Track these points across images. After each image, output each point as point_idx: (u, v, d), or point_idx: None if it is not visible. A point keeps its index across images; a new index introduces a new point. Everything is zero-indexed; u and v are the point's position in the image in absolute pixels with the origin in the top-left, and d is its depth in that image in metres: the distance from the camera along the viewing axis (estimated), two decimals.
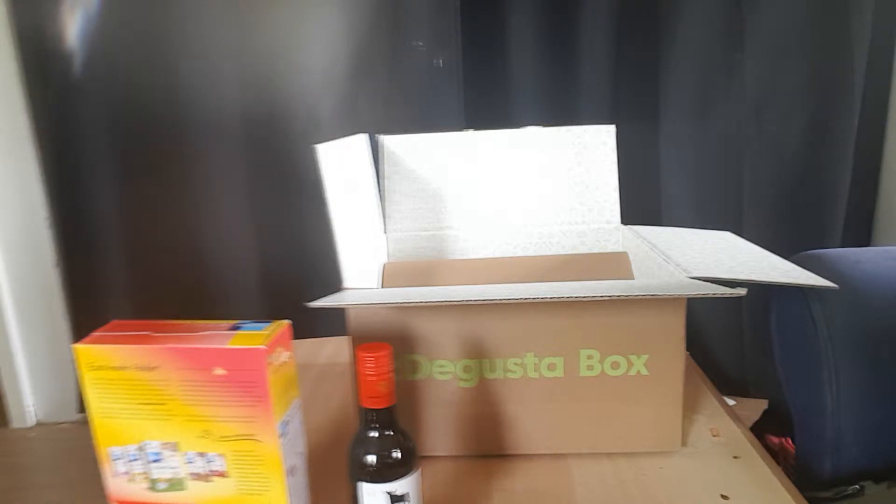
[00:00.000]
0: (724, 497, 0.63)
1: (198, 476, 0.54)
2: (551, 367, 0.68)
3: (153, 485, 0.55)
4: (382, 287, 0.82)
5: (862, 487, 0.75)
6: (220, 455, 0.53)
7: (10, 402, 1.94)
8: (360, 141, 0.90)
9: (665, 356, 0.67)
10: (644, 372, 0.67)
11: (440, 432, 0.71)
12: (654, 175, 1.71)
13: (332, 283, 0.68)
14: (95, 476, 0.56)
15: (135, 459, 0.54)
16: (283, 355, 0.53)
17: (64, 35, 1.64)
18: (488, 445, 0.71)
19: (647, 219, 0.92)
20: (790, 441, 0.81)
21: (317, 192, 0.67)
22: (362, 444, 0.53)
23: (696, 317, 1.75)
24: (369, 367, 0.51)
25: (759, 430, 0.80)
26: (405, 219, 0.95)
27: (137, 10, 1.62)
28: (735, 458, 0.70)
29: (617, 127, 0.93)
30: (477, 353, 0.68)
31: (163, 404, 0.52)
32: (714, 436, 0.74)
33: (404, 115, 1.67)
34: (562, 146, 0.94)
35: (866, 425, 0.75)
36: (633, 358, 0.67)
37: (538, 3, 1.60)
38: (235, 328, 0.53)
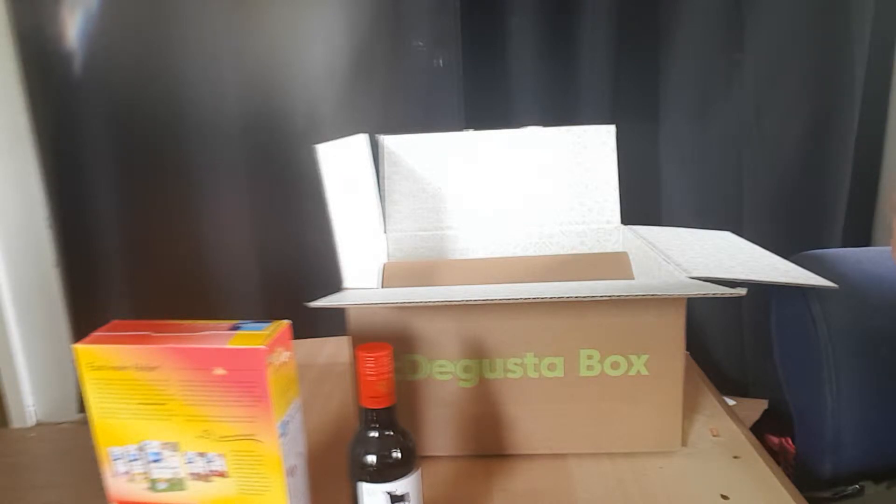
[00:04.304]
0: (724, 497, 0.63)
1: (198, 476, 0.54)
2: (551, 367, 0.68)
3: (153, 485, 0.55)
4: (382, 287, 0.82)
5: (862, 487, 0.75)
6: (220, 455, 0.53)
7: (10, 402, 1.94)
8: (360, 141, 0.90)
9: (665, 356, 0.67)
10: (644, 372, 0.67)
11: (440, 432, 0.71)
12: (654, 175, 1.71)
13: (332, 283, 0.68)
14: (95, 476, 0.56)
15: (135, 459, 0.54)
16: (283, 355, 0.53)
17: (64, 35, 1.64)
18: (488, 445, 0.71)
19: (647, 219, 0.92)
20: (790, 441, 0.81)
21: (317, 192, 0.67)
22: (362, 444, 0.53)
23: (696, 317, 1.75)
24: (369, 367, 0.51)
25: (759, 430, 0.80)
26: (405, 219, 0.95)
27: (137, 10, 1.62)
28: (735, 458, 0.70)
29: (617, 127, 0.93)
30: (477, 353, 0.68)
31: (163, 404, 0.52)
32: (714, 436, 0.74)
33: (404, 115, 1.67)
34: (562, 146, 0.94)
35: (866, 425, 0.75)
36: (633, 358, 0.67)
37: (538, 3, 1.60)
38: (235, 328, 0.53)
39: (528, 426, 0.70)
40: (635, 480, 0.66)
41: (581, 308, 0.66)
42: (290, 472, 0.54)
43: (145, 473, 0.55)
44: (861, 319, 0.74)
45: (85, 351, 0.52)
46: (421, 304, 0.66)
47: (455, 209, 0.95)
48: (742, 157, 1.66)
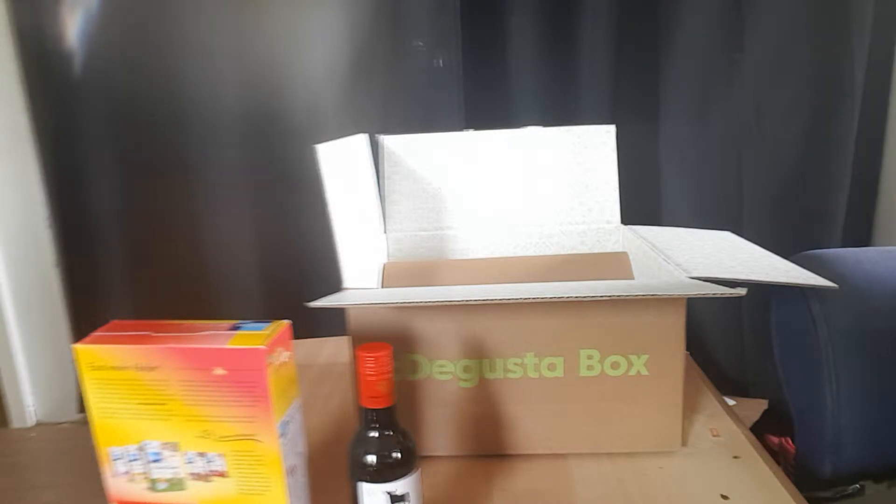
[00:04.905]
0: (724, 497, 0.63)
1: (198, 476, 0.54)
2: (551, 367, 0.68)
3: (153, 485, 0.55)
4: (382, 287, 0.82)
5: (862, 487, 0.75)
6: (220, 455, 0.53)
7: (10, 402, 1.94)
8: (360, 141, 0.90)
9: (665, 356, 0.67)
10: (644, 372, 0.67)
11: (440, 432, 0.71)
12: (654, 175, 1.71)
13: (332, 283, 0.68)
14: (95, 476, 0.56)
15: (135, 459, 0.54)
16: (283, 355, 0.53)
17: (64, 35, 1.64)
18: (488, 445, 0.71)
19: (647, 219, 0.92)
20: (790, 441, 0.81)
21: (317, 192, 0.67)
22: (362, 444, 0.53)
23: (696, 317, 1.75)
24: (369, 367, 0.51)
25: (759, 430, 0.80)
26: (405, 219, 0.95)
27: (137, 10, 1.62)
28: (735, 458, 0.70)
29: (617, 127, 0.93)
30: (477, 353, 0.68)
31: (163, 404, 0.52)
32: (714, 436, 0.74)
33: (404, 115, 1.67)
34: (562, 146, 0.94)
35: (866, 425, 0.75)
36: (633, 358, 0.67)
37: (538, 3, 1.60)
38: (235, 328, 0.53)
39: (528, 426, 0.70)
40: (635, 480, 0.66)
41: (581, 308, 0.66)
42: (290, 472, 0.54)
43: (145, 473, 0.55)
44: (861, 319, 0.74)
45: (85, 351, 0.52)
46: (421, 304, 0.66)
47: (455, 209, 0.95)
48: (742, 157, 1.66)
